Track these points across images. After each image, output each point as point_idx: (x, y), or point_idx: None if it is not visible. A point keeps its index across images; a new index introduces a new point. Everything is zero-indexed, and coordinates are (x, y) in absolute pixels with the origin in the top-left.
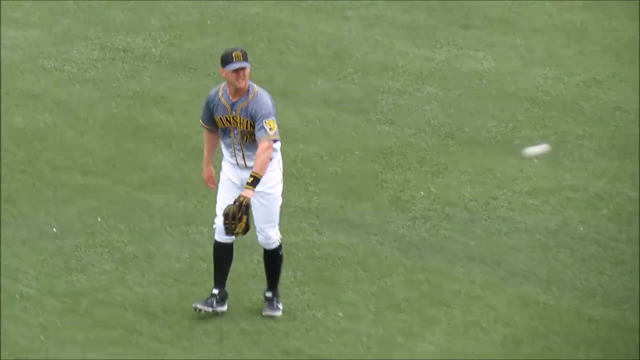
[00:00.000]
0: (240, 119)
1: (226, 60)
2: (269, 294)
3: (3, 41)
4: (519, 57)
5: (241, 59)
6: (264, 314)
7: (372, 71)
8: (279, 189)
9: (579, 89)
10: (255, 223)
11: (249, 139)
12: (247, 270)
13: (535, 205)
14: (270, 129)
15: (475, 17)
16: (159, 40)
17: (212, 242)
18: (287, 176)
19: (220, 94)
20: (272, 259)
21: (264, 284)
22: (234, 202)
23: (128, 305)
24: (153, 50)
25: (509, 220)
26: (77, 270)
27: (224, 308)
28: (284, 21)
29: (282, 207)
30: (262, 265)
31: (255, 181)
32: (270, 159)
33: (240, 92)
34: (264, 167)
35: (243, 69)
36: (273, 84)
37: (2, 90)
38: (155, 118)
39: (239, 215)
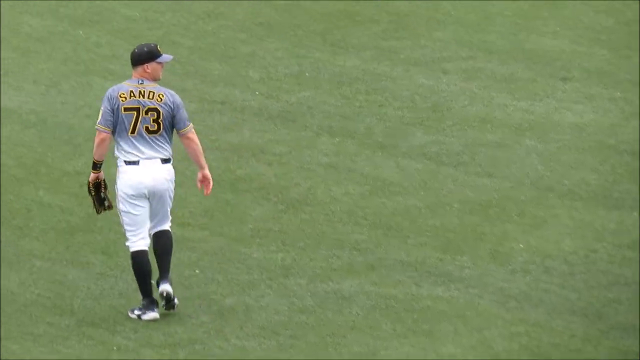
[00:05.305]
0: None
1: (155, 53)
2: None
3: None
4: (619, 110)
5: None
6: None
7: (470, 124)
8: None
9: None
10: None
11: None
12: (346, 323)
13: (635, 258)
14: None
15: (574, 69)
16: (257, 92)
17: (307, 294)
18: (386, 229)
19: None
20: None
21: (363, 336)
22: None
23: (226, 358)
24: (251, 102)
25: (608, 273)
26: (174, 322)
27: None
28: (382, 74)
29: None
30: (362, 318)
31: None
32: None
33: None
34: None
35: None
36: (372, 137)
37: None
38: (253, 170)
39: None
